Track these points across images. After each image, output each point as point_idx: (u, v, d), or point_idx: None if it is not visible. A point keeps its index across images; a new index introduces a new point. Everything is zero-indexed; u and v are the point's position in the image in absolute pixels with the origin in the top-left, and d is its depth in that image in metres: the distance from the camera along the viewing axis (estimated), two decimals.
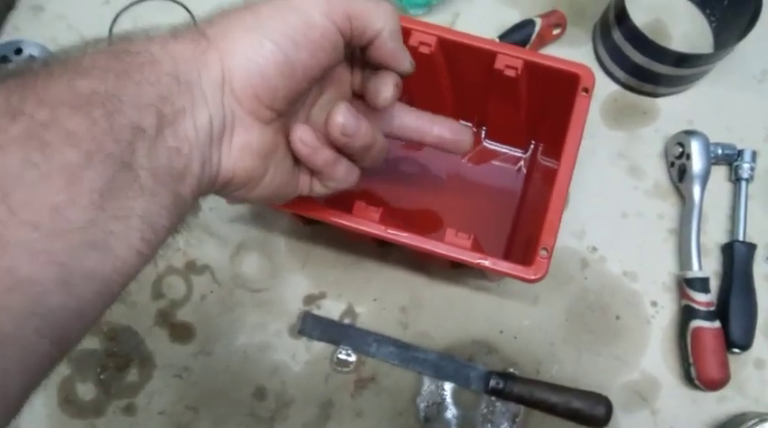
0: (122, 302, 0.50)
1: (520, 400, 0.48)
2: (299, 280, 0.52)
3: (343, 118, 0.31)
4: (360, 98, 0.36)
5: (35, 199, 0.20)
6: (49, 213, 0.20)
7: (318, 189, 0.35)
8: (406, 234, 0.40)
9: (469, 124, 0.53)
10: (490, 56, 0.43)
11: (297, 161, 0.33)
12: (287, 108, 0.30)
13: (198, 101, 0.26)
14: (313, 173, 0.34)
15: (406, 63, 0.33)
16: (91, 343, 0.51)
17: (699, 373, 0.47)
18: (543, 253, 0.40)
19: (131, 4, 0.59)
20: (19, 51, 0.55)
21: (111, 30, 0.58)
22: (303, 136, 0.31)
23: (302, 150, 0.31)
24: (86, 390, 0.50)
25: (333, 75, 0.34)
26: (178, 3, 0.59)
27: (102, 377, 0.50)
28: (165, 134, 0.25)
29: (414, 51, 0.44)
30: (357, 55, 0.35)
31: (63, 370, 0.50)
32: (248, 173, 0.29)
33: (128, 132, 0.23)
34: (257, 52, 0.27)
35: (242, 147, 0.28)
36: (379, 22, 0.30)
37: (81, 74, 0.23)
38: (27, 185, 0.20)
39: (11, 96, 0.21)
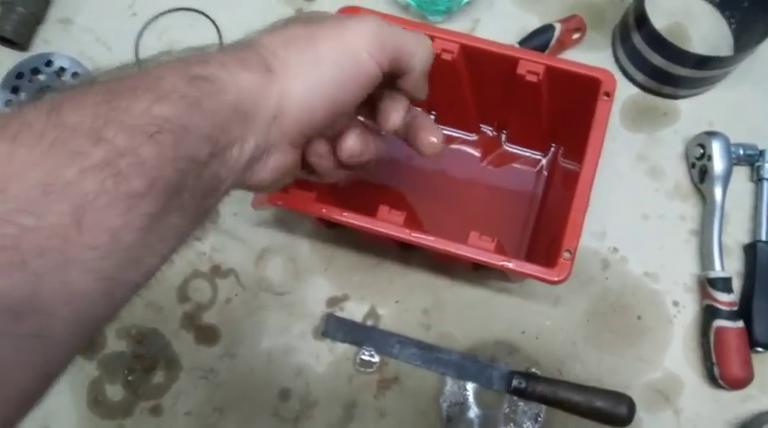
0: (149, 306, 0.52)
1: (542, 400, 0.48)
2: (323, 282, 0.53)
3: (353, 144, 0.34)
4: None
5: (101, 223, 0.22)
6: (107, 236, 0.22)
7: (311, 177, 0.37)
8: (431, 237, 0.41)
9: (490, 128, 0.54)
10: (512, 61, 0.44)
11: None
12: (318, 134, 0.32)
13: (249, 132, 0.28)
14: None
15: (424, 94, 0.35)
16: (118, 345, 0.52)
17: (722, 372, 0.47)
18: (566, 254, 0.40)
19: (158, 16, 0.60)
20: (49, 63, 0.57)
21: (137, 42, 0.59)
22: (321, 150, 0.34)
23: (315, 162, 0.34)
24: (115, 392, 0.51)
25: None
26: (203, 14, 0.60)
27: (129, 378, 0.51)
28: (214, 162, 0.26)
29: (436, 58, 0.44)
30: None
31: (92, 371, 0.51)
32: (270, 184, 0.31)
33: (187, 162, 0.25)
34: (314, 94, 0.29)
35: (273, 168, 0.30)
36: (419, 62, 0.32)
37: (159, 99, 0.24)
38: (97, 210, 0.22)
39: (97, 118, 0.23)
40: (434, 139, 0.36)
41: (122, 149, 0.22)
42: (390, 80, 0.34)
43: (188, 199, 0.25)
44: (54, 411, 0.50)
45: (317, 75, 0.29)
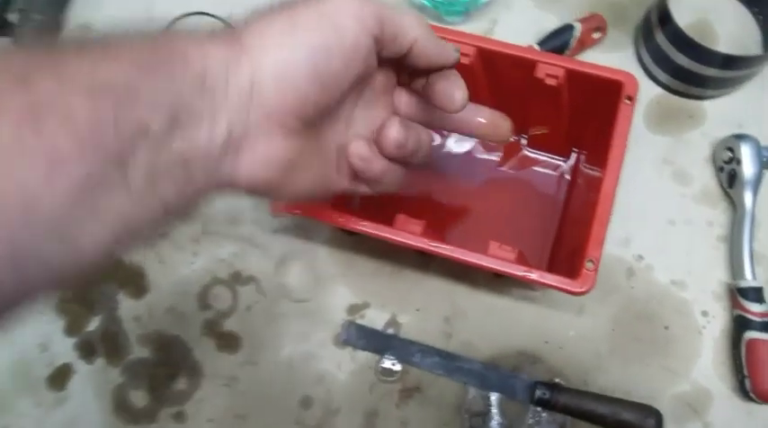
0: (170, 312, 0.52)
1: (566, 411, 0.47)
2: (342, 290, 0.52)
3: (396, 133, 0.31)
4: (404, 90, 0.36)
5: (9, 172, 0.19)
6: (19, 193, 0.19)
7: (365, 190, 0.35)
8: (449, 247, 0.41)
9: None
10: (530, 64, 0.43)
11: (338, 167, 0.33)
12: (318, 118, 0.29)
13: (219, 108, 0.25)
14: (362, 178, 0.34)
15: (451, 53, 0.32)
16: (141, 352, 0.52)
17: (754, 386, 0.46)
18: (590, 265, 0.39)
19: (174, 20, 0.60)
20: None
21: None
22: (360, 151, 0.32)
23: (359, 165, 0.32)
24: (139, 398, 0.51)
25: (371, 82, 0.33)
26: (219, 19, 0.60)
27: (152, 385, 0.52)
28: (174, 138, 0.23)
29: None
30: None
31: (116, 377, 0.52)
32: (270, 183, 0.28)
33: (132, 128, 0.22)
34: (289, 62, 0.26)
35: (263, 159, 0.27)
36: (412, 31, 0.30)
37: (110, 59, 0.22)
38: (8, 158, 0.19)
39: (30, 61, 0.21)
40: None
41: (49, 98, 0.20)
42: (415, 65, 0.32)
43: (138, 177, 0.22)
44: (78, 416, 0.51)
45: (292, 42, 0.26)
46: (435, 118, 0.37)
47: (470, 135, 0.40)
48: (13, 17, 0.58)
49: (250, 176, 0.27)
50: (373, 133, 0.34)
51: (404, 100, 0.36)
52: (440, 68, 0.32)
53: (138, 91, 0.22)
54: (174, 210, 0.25)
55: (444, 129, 0.39)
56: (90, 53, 0.22)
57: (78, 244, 0.21)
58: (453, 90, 0.32)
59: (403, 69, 0.34)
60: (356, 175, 0.34)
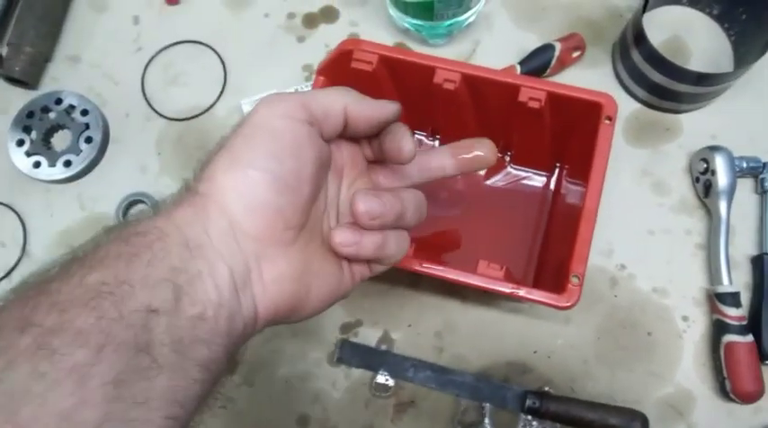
0: None
1: (556, 418, 0.49)
2: (335, 308, 0.53)
3: (363, 205, 0.30)
4: (375, 163, 0.36)
5: (43, 411, 0.20)
6: (57, 422, 0.20)
7: (378, 269, 0.34)
8: (440, 267, 0.42)
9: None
10: (513, 89, 0.45)
11: (341, 258, 0.32)
12: (305, 219, 0.29)
13: (213, 259, 0.26)
14: (367, 261, 0.33)
15: (388, 107, 0.32)
16: None
17: (734, 387, 0.48)
18: (575, 280, 0.41)
19: (162, 50, 0.61)
20: (59, 101, 0.58)
21: (143, 75, 0.60)
22: (342, 239, 0.30)
23: (347, 251, 0.30)
24: None
25: (341, 160, 0.34)
26: (206, 46, 0.61)
27: None
28: (184, 304, 0.24)
29: (438, 88, 0.45)
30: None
31: None
32: (291, 299, 0.29)
33: (141, 315, 0.23)
34: (247, 186, 0.27)
35: (274, 280, 0.28)
36: (338, 102, 0.30)
37: (93, 267, 0.23)
38: (35, 398, 0.20)
39: (24, 307, 0.22)
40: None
41: (53, 327, 0.21)
42: (359, 132, 0.32)
43: (166, 353, 0.23)
44: None
45: (241, 168, 0.27)
46: (415, 175, 0.37)
47: (459, 174, 0.40)
48: (3, 50, 0.59)
49: (269, 303, 0.28)
50: None
51: (379, 171, 0.36)
52: (386, 125, 0.32)
53: (130, 282, 0.23)
54: (214, 365, 0.25)
55: (429, 181, 0.38)
56: (76, 270, 0.23)
57: None
58: (400, 142, 0.32)
59: (360, 142, 0.35)
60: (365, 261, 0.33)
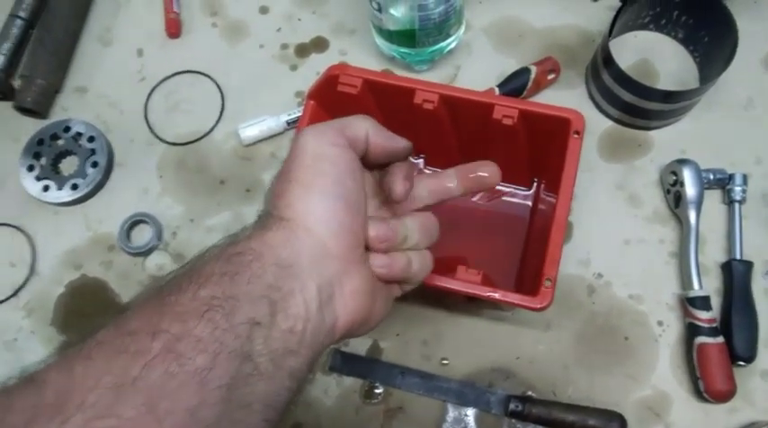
0: None
1: (539, 421, 0.51)
2: None
3: (373, 231, 0.34)
4: None
5: (176, 406, 0.24)
6: (185, 417, 0.24)
7: (407, 288, 0.38)
8: None
9: None
10: (488, 107, 0.48)
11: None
12: (366, 238, 0.34)
13: (303, 278, 0.29)
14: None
15: (402, 143, 0.36)
16: None
17: (707, 386, 0.50)
18: (547, 283, 0.44)
19: (164, 80, 0.65)
20: (67, 129, 0.62)
21: (146, 104, 0.64)
22: (377, 261, 0.34)
23: (381, 273, 0.34)
24: None
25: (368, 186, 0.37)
26: (206, 75, 0.65)
27: None
28: (278, 318, 0.28)
29: (419, 108, 0.49)
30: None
31: None
32: (364, 312, 0.32)
33: (246, 327, 0.26)
34: (326, 210, 0.31)
35: (353, 296, 0.32)
36: (362, 127, 0.34)
37: (202, 284, 0.27)
38: (170, 394, 0.24)
39: (152, 316, 0.26)
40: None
41: (178, 334, 0.25)
42: (376, 160, 0.36)
43: (265, 362, 0.26)
44: None
45: (318, 197, 0.31)
46: (425, 197, 0.40)
47: (465, 195, 0.42)
48: (16, 83, 0.63)
49: (348, 316, 0.31)
50: None
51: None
52: (396, 159, 0.36)
53: (236, 297, 0.27)
54: (301, 374, 0.29)
55: (438, 203, 0.41)
56: (188, 286, 0.27)
57: None
58: (393, 184, 0.35)
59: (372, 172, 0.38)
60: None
